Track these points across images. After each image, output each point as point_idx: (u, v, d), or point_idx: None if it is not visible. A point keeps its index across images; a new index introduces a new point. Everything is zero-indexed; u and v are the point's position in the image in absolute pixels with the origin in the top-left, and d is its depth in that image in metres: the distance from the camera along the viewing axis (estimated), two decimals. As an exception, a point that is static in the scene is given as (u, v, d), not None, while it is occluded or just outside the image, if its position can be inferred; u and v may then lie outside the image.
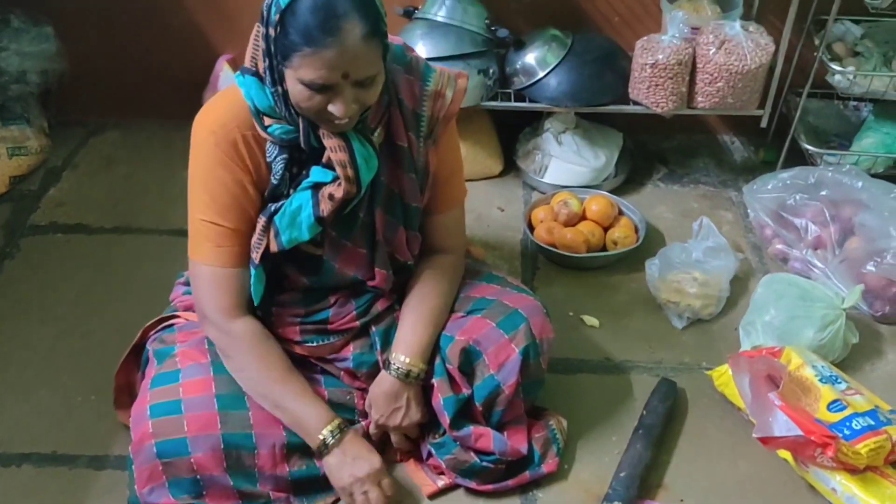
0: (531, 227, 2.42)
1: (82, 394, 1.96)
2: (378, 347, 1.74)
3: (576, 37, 2.52)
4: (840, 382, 1.83)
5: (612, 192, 2.55)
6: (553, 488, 1.78)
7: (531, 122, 2.75)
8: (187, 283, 1.84)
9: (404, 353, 1.69)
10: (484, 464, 1.71)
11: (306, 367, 1.75)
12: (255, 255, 1.60)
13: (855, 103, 2.72)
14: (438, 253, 1.80)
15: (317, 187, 1.56)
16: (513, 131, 2.74)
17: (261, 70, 1.50)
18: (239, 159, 1.55)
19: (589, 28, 2.65)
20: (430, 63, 1.68)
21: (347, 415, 1.73)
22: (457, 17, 2.43)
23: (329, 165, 1.54)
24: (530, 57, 2.48)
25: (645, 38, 2.41)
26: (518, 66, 2.50)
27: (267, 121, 1.52)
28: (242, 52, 1.57)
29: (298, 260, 1.68)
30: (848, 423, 1.71)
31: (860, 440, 1.68)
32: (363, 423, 1.75)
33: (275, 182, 1.57)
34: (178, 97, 2.68)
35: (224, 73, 2.59)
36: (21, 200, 2.56)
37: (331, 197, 1.54)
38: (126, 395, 1.82)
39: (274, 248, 1.59)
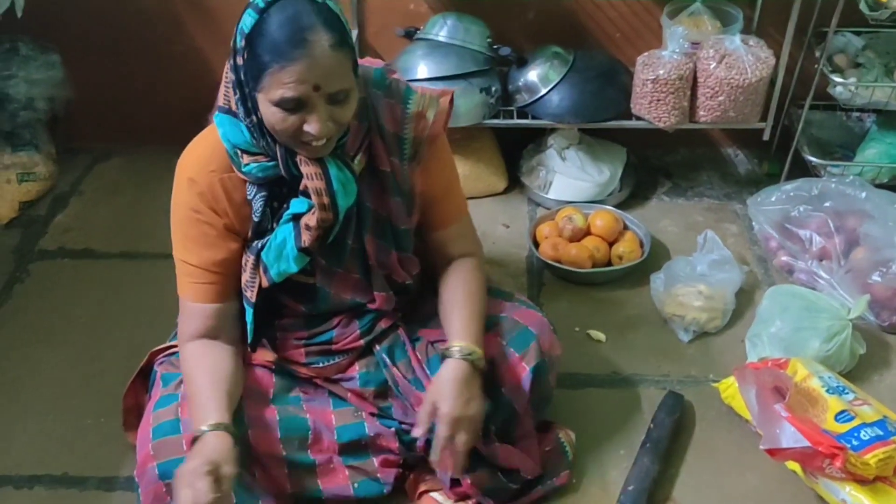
0: (536, 244, 2.43)
1: (92, 416, 1.97)
2: (385, 365, 1.73)
3: (577, 54, 2.53)
4: (847, 393, 1.82)
5: (616, 206, 2.56)
6: (561, 503, 1.78)
7: (534, 139, 2.76)
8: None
9: (461, 340, 1.62)
10: (505, 481, 1.71)
11: (313, 389, 1.75)
12: (251, 294, 1.60)
13: (858, 114, 2.72)
14: (457, 259, 1.76)
15: (297, 218, 1.55)
16: (516, 148, 2.75)
17: (233, 105, 1.48)
18: (216, 204, 1.55)
19: (590, 45, 2.66)
20: (413, 84, 1.65)
21: (357, 432, 1.71)
22: (458, 37, 2.45)
23: (307, 194, 1.52)
24: (532, 74, 2.50)
25: (646, 53, 2.43)
26: (520, 84, 2.52)
27: (245, 159, 1.51)
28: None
29: (293, 290, 1.67)
30: (856, 434, 1.71)
31: (869, 450, 1.67)
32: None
33: (256, 219, 1.57)
34: (181, 123, 2.65)
35: (228, 96, 2.61)
36: (30, 226, 2.59)
37: (307, 227, 1.53)
38: (135, 416, 1.80)
39: (265, 283, 1.59)
